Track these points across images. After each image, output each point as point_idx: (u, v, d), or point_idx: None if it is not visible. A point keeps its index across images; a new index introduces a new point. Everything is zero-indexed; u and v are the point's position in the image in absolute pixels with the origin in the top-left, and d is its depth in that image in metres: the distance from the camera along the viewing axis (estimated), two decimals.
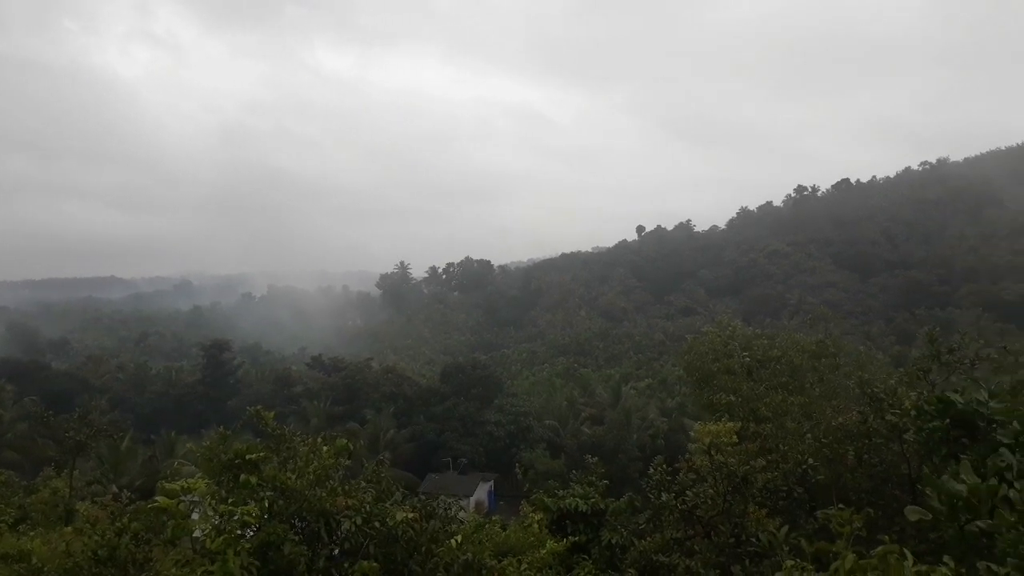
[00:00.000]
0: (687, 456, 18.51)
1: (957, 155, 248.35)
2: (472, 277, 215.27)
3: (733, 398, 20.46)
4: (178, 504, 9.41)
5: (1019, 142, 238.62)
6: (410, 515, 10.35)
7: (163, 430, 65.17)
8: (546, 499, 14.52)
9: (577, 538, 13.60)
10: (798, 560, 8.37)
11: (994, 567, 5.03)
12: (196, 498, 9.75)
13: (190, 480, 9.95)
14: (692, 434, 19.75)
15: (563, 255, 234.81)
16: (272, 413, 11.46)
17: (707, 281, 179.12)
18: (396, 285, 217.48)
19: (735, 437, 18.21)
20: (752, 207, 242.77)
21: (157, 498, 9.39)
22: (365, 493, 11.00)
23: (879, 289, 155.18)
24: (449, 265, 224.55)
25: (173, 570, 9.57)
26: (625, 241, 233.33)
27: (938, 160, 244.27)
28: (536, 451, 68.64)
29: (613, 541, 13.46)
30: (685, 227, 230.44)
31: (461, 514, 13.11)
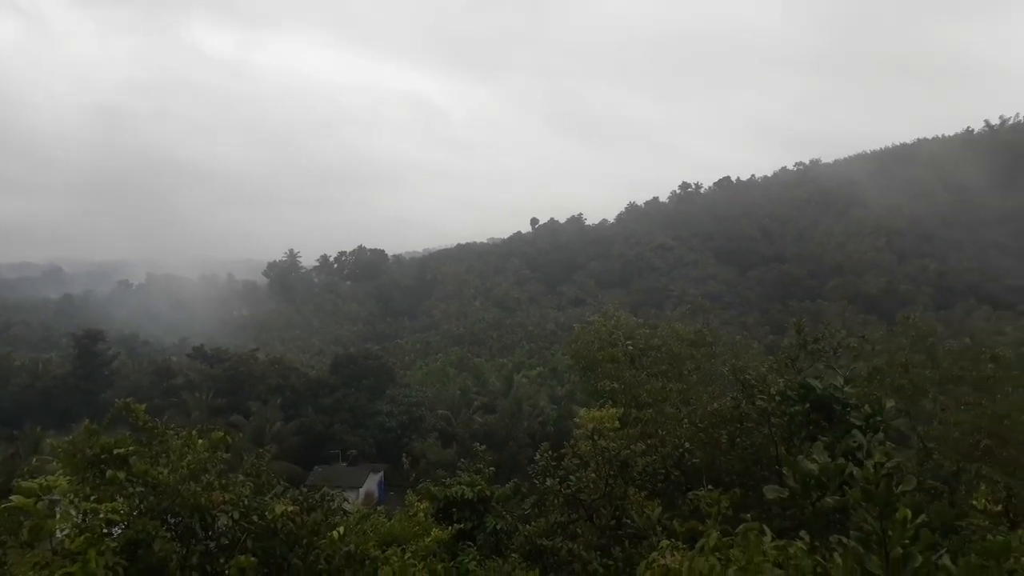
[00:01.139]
0: (572, 442, 18.95)
1: (828, 157, 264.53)
2: (365, 266, 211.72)
3: (616, 385, 21.06)
4: (36, 503, 8.81)
5: (883, 146, 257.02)
6: (290, 508, 10.11)
7: (27, 425, 60.84)
8: (432, 488, 14.52)
9: (463, 525, 13.68)
10: (673, 540, 8.75)
11: (844, 540, 5.39)
12: (57, 496, 9.17)
13: (50, 478, 9.33)
14: (577, 420, 20.23)
15: (459, 245, 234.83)
16: (144, 405, 10.89)
17: (597, 273, 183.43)
18: (285, 274, 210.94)
19: (617, 423, 18.78)
20: (640, 202, 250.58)
21: (13, 497, 8.76)
22: (243, 487, 10.67)
23: (756, 282, 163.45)
24: (341, 254, 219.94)
25: (30, 573, 8.97)
26: (520, 233, 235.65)
27: (811, 161, 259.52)
28: (428, 441, 68.56)
29: (498, 527, 13.62)
30: (577, 220, 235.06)
31: (346, 506, 12.92)
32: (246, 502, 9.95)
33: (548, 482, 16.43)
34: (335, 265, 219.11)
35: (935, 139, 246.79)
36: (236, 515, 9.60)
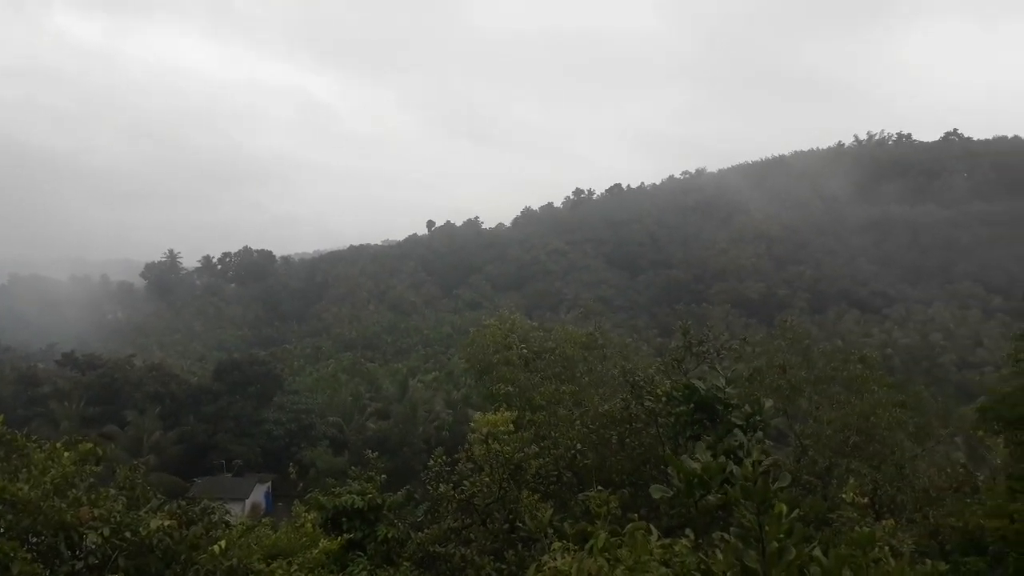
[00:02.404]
0: (466, 446, 18.89)
1: (712, 166, 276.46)
2: (251, 268, 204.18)
3: (511, 388, 21.20)
4: None
5: (762, 157, 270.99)
6: (167, 522, 9.56)
7: None
8: (321, 497, 14.10)
9: (353, 535, 13.36)
10: (565, 542, 8.83)
11: (725, 536, 5.56)
12: None
13: None
14: (472, 425, 20.20)
15: (352, 247, 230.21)
16: (0, 417, 10.06)
17: (493, 276, 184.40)
18: (164, 275, 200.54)
19: (512, 426, 18.86)
20: (535, 207, 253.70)
21: None
22: (115, 501, 10.03)
23: (645, 286, 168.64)
24: (225, 255, 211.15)
25: None
26: (415, 235, 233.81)
27: (696, 171, 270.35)
28: (318, 449, 66.87)
29: (390, 535, 13.38)
30: (473, 224, 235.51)
31: (230, 518, 12.37)
32: (118, 518, 9.35)
33: (442, 488, 16.31)
34: (219, 267, 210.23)
35: (810, 152, 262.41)
36: (106, 532, 9.01)
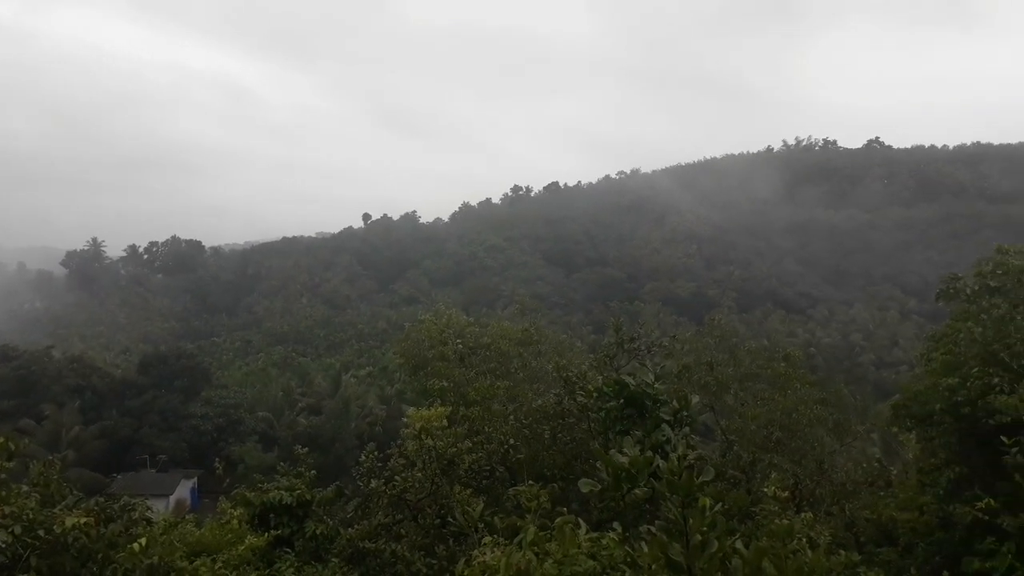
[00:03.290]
0: (399, 442, 18.76)
1: (647, 167, 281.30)
2: (180, 259, 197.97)
3: (446, 383, 21.15)
4: None
5: (695, 159, 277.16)
6: (83, 520, 9.23)
7: None
8: (248, 494, 13.81)
9: (280, 531, 13.12)
10: (495, 536, 8.87)
11: (653, 528, 5.68)
12: None
13: None
14: (405, 420, 20.08)
15: (285, 239, 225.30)
16: None
17: (430, 271, 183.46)
18: (86, 264, 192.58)
19: (445, 421, 18.83)
20: (474, 203, 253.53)
21: None
22: (27, 498, 9.63)
23: (580, 283, 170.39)
24: (152, 244, 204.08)
25: None
26: (351, 228, 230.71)
27: (631, 171, 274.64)
28: (247, 444, 65.57)
29: (318, 531, 13.19)
30: (411, 218, 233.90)
31: (152, 515, 11.99)
32: (30, 515, 8.99)
33: (373, 483, 16.16)
34: (145, 256, 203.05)
35: (740, 155, 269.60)
36: (17, 530, 8.65)
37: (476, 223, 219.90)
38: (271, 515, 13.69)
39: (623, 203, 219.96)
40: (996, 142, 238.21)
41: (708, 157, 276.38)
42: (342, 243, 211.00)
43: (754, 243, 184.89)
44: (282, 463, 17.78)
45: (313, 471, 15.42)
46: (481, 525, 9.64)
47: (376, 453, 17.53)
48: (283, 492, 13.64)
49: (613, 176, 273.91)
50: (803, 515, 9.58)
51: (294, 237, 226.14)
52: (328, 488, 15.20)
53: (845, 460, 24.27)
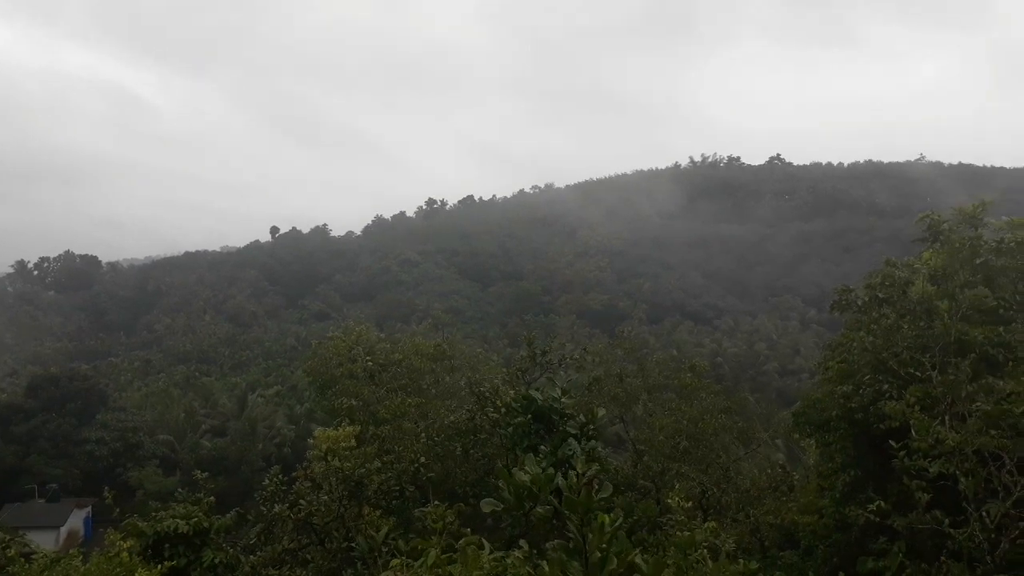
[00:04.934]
0: (305, 464, 18.19)
1: (560, 182, 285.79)
2: (74, 275, 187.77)
3: (354, 402, 20.69)
4: None
5: (607, 175, 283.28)
6: None
7: None
8: (140, 523, 13.02)
9: (175, 562, 12.43)
10: (403, 558, 8.61)
11: (566, 543, 5.59)
12: None
13: None
14: (311, 441, 19.48)
15: (187, 254, 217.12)
16: None
17: (342, 286, 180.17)
18: None
19: (354, 441, 18.37)
20: (387, 216, 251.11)
21: None
22: None
23: (496, 297, 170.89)
24: (43, 260, 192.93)
25: None
26: (258, 242, 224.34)
27: (545, 185, 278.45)
28: (147, 469, 62.50)
29: (217, 560, 12.56)
30: (321, 231, 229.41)
31: (39, 548, 11.14)
32: None
33: (277, 508, 15.59)
34: (35, 272, 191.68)
35: (649, 171, 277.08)
36: None
37: (390, 237, 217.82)
38: (166, 545, 12.95)
39: (537, 217, 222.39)
40: (886, 160, 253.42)
41: (619, 173, 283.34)
42: (248, 258, 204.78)
43: (663, 256, 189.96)
44: (179, 489, 16.95)
45: (212, 497, 14.71)
46: (385, 549, 9.36)
47: (281, 476, 16.94)
48: (178, 520, 12.93)
49: (527, 191, 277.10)
50: (707, 524, 9.74)
51: (197, 252, 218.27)
52: (228, 515, 14.50)
53: (751, 466, 25.04)
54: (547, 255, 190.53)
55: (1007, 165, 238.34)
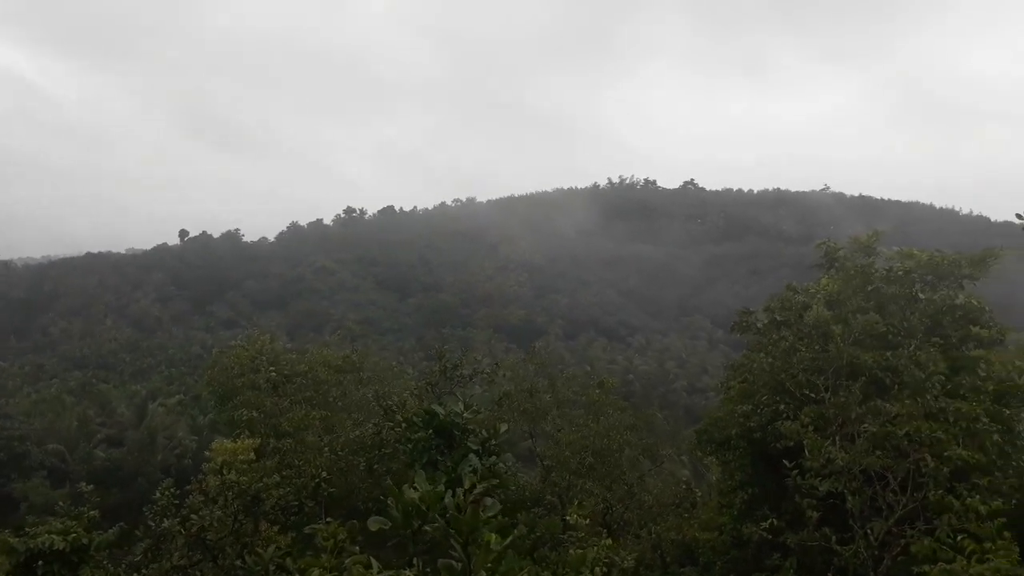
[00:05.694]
0: (200, 477, 17.43)
1: (482, 196, 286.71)
2: None
3: (255, 414, 20.01)
4: None
5: (528, 191, 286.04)
6: None
7: None
8: (11, 539, 12.14)
9: None
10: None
11: (454, 563, 5.45)
12: None
13: None
14: (207, 453, 18.71)
15: (89, 254, 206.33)
16: None
17: (253, 293, 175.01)
18: None
19: (253, 454, 17.75)
20: (303, 223, 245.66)
21: None
22: None
23: (414, 309, 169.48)
24: None
25: None
26: (165, 245, 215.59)
27: (467, 199, 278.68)
28: (33, 481, 58.73)
29: None
30: (233, 236, 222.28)
31: None
32: None
33: (166, 523, 14.83)
34: None
35: (569, 190, 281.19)
36: None
37: (305, 244, 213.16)
38: (39, 563, 12.11)
39: (458, 230, 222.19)
40: (793, 189, 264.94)
41: (540, 190, 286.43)
42: (155, 261, 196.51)
43: (580, 274, 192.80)
44: (60, 502, 15.94)
45: (95, 511, 13.87)
46: (272, 567, 9.00)
47: (173, 489, 16.16)
48: (54, 536, 12.12)
49: (449, 203, 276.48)
50: (604, 541, 9.79)
51: (100, 253, 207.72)
52: (110, 530, 13.70)
53: (656, 483, 25.47)
54: (467, 268, 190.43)
55: (902, 199, 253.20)
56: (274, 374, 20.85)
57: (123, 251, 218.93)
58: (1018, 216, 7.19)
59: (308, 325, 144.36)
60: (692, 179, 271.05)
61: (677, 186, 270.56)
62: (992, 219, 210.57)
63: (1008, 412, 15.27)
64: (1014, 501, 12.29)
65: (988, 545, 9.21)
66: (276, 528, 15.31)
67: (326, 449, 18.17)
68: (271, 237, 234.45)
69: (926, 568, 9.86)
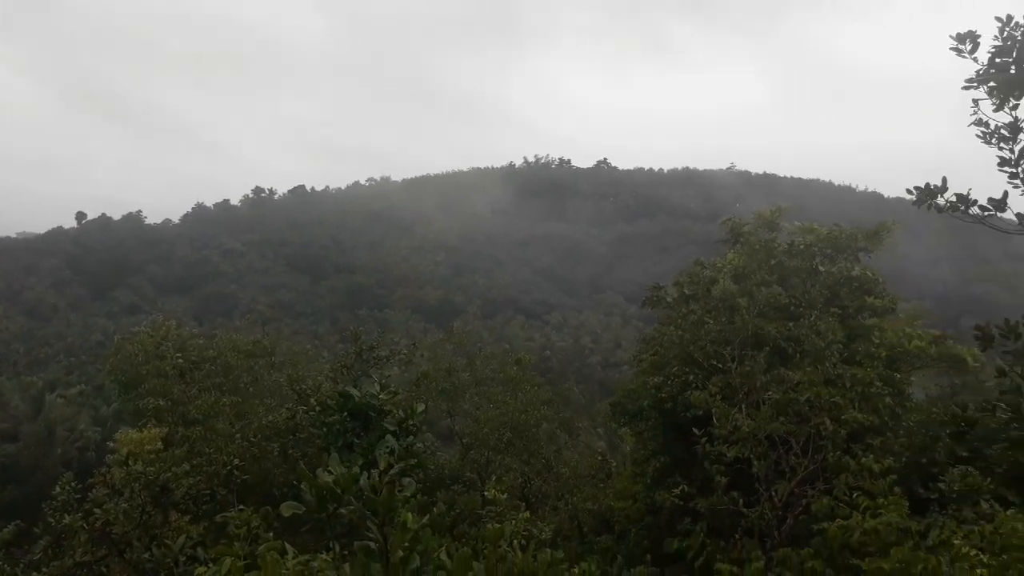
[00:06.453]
0: (104, 470, 16.71)
1: (397, 175, 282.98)
2: None
3: (162, 402, 19.30)
4: None
5: (444, 171, 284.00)
6: None
7: None
8: None
9: None
10: (207, 567, 8.04)
11: (367, 543, 5.39)
12: None
13: None
14: (112, 445, 17.95)
15: None
16: None
17: (157, 277, 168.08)
18: None
19: (160, 444, 17.14)
20: (209, 204, 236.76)
21: None
22: None
23: (328, 291, 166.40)
24: None
25: None
26: (61, 228, 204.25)
27: (381, 178, 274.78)
28: None
29: None
30: (134, 218, 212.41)
31: None
32: None
33: (67, 518, 14.17)
34: None
35: (485, 169, 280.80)
36: None
37: (211, 226, 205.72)
38: None
39: (372, 210, 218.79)
40: (701, 168, 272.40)
41: (455, 170, 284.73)
42: (50, 245, 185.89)
43: (496, 253, 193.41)
44: None
45: None
46: (183, 558, 8.73)
47: (75, 483, 15.45)
48: None
49: (362, 183, 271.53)
50: (522, 514, 9.93)
51: None
52: (7, 528, 13.01)
53: (573, 455, 25.97)
54: (382, 248, 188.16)
55: (803, 176, 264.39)
56: (181, 360, 20.09)
57: (14, 235, 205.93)
58: (908, 191, 7.58)
59: (216, 309, 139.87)
60: (605, 158, 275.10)
61: (591, 165, 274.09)
62: (885, 195, 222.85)
63: (899, 376, 16.28)
64: (904, 459, 13.14)
65: (881, 501, 9.82)
66: (187, 518, 14.86)
67: (238, 436, 17.68)
68: (175, 219, 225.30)
69: (825, 525, 10.42)
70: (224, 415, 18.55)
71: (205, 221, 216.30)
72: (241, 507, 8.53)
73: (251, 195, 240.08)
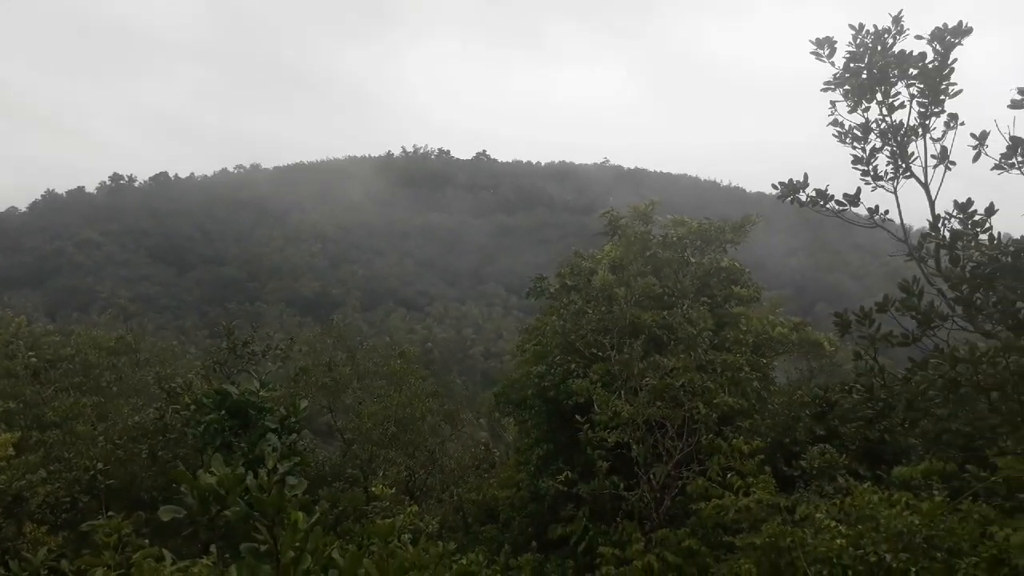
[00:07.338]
0: None
1: (268, 163, 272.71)
2: None
3: (13, 405, 17.82)
4: None
5: (319, 159, 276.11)
6: None
7: None
8: None
9: None
10: None
11: (254, 545, 5.19)
12: None
13: None
14: None
15: None
16: None
17: (2, 269, 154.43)
18: None
19: (12, 450, 15.79)
20: (61, 191, 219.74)
21: None
22: None
23: (194, 283, 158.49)
24: None
25: None
26: None
27: (251, 166, 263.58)
28: None
29: None
30: None
31: None
32: None
33: None
34: None
35: (363, 158, 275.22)
36: None
37: (65, 215, 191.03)
38: None
39: (241, 199, 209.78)
40: (576, 162, 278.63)
41: (330, 158, 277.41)
42: None
43: (375, 244, 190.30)
44: None
45: None
46: (45, 572, 8.08)
47: None
48: None
49: (231, 170, 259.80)
50: (410, 508, 9.87)
51: None
52: None
53: (457, 447, 26.06)
54: (253, 239, 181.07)
55: (672, 171, 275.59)
56: (34, 359, 18.57)
57: None
58: (773, 187, 8.07)
59: (72, 304, 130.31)
60: (484, 150, 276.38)
61: (470, 157, 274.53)
62: (747, 190, 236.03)
63: (764, 361, 17.35)
64: (770, 439, 14.02)
65: (751, 480, 10.43)
66: (44, 528, 13.84)
67: (101, 438, 16.62)
68: (22, 207, 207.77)
69: (701, 505, 10.97)
70: (85, 417, 17.37)
71: (57, 209, 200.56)
72: (110, 514, 7.98)
73: (109, 182, 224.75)
